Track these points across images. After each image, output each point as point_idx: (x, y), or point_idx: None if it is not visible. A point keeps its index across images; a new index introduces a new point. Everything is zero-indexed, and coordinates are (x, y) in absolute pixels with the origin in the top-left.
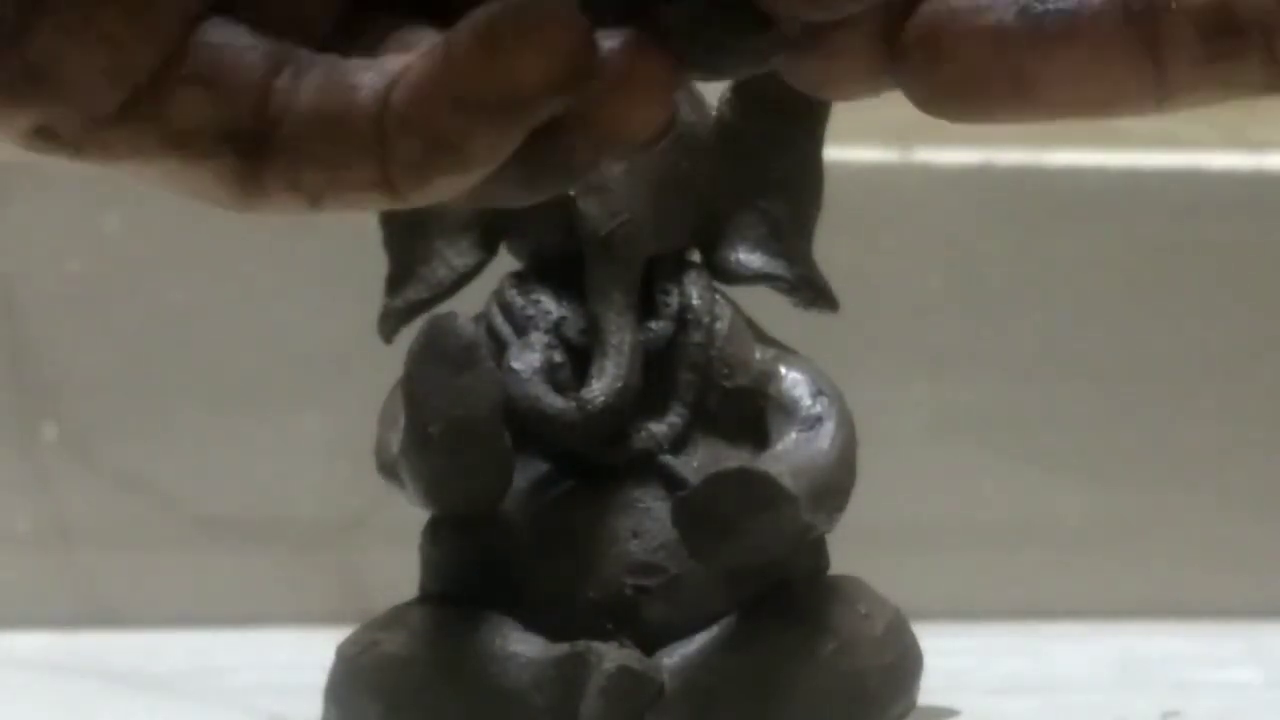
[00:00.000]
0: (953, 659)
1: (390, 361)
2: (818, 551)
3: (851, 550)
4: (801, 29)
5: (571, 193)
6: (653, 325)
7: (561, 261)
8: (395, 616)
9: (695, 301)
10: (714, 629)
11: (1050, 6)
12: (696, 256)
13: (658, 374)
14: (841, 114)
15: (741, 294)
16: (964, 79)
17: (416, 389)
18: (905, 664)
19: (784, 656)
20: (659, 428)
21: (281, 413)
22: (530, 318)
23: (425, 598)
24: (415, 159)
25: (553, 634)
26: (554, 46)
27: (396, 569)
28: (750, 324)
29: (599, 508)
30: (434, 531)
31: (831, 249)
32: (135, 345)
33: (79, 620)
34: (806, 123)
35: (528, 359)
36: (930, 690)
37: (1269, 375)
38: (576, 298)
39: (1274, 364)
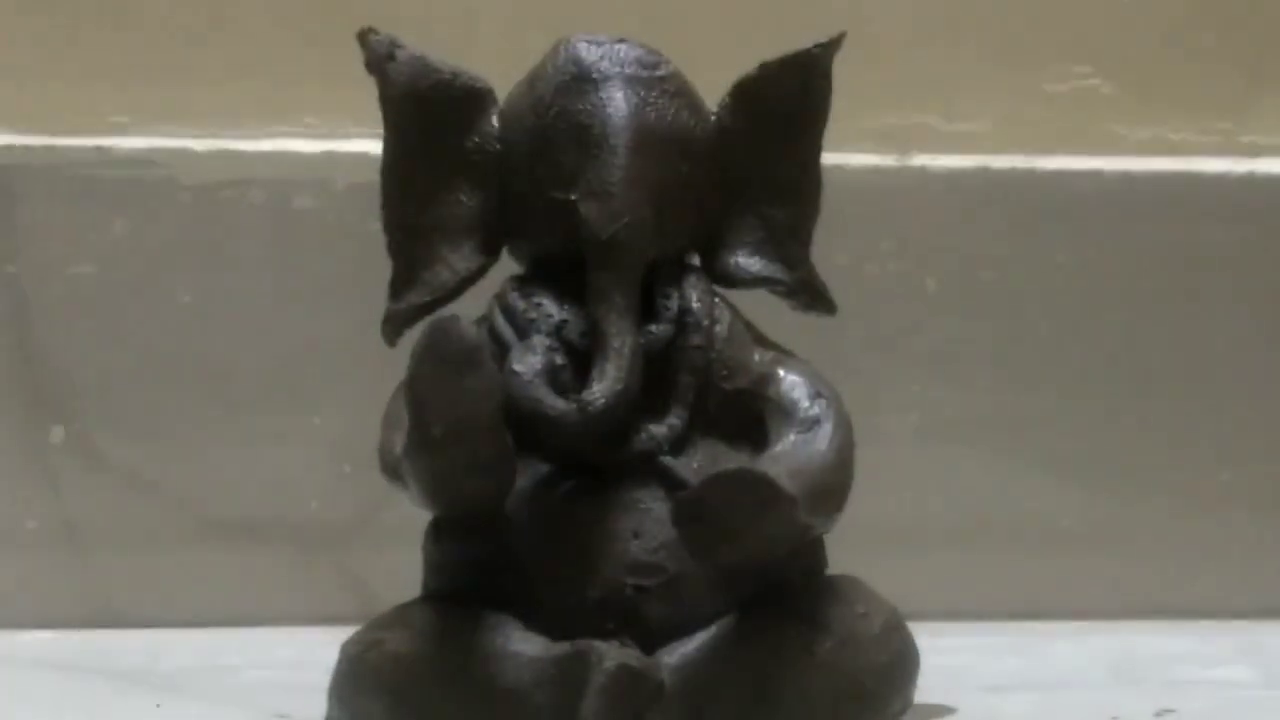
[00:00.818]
0: (949, 657)
1: (393, 364)
2: (816, 551)
3: (849, 550)
4: None
5: (572, 197)
6: (653, 328)
7: (563, 265)
8: (398, 616)
9: (695, 305)
10: (713, 628)
11: None
12: (696, 260)
13: (658, 376)
14: (840, 119)
15: (741, 297)
16: None
17: (419, 391)
18: (902, 662)
19: (782, 655)
20: (659, 429)
21: (287, 415)
22: (532, 320)
23: (428, 597)
24: None
25: (554, 633)
26: None
27: (399, 569)
28: (749, 327)
29: (600, 508)
30: (436, 532)
31: (829, 253)
32: (143, 348)
33: (86, 619)
34: (805, 128)
35: (529, 361)
36: (927, 688)
37: (1261, 377)
38: (577, 301)
39: (1265, 366)
